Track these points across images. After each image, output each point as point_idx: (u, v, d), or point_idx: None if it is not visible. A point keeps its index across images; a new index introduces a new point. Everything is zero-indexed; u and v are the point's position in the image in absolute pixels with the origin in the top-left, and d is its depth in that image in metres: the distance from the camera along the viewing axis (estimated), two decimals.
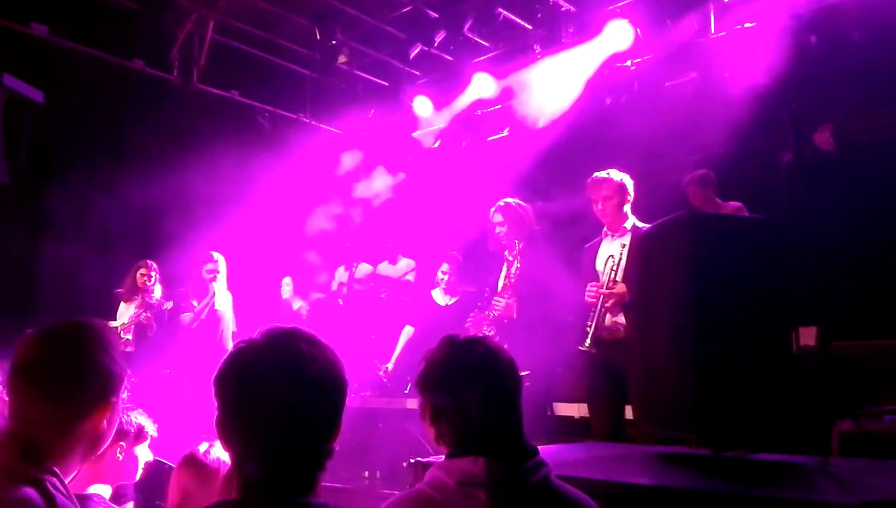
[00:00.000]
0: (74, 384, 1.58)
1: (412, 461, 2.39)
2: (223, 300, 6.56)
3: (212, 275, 6.51)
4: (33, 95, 6.21)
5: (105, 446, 1.70)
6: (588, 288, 4.21)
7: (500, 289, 4.73)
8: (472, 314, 4.83)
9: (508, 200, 4.83)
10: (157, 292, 6.55)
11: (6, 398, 1.60)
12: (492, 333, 4.49)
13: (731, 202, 5.85)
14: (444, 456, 1.85)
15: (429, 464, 2.20)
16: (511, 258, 4.67)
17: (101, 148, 7.02)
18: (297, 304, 7.84)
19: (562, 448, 3.22)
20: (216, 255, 6.56)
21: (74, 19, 6.49)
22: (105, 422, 1.64)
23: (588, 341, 4.10)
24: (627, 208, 4.32)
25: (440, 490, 1.75)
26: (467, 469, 1.74)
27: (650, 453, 2.89)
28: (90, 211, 6.43)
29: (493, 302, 4.69)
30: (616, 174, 4.32)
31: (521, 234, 4.69)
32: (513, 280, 4.62)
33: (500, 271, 4.80)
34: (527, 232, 4.72)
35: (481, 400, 1.80)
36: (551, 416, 4.94)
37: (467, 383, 1.83)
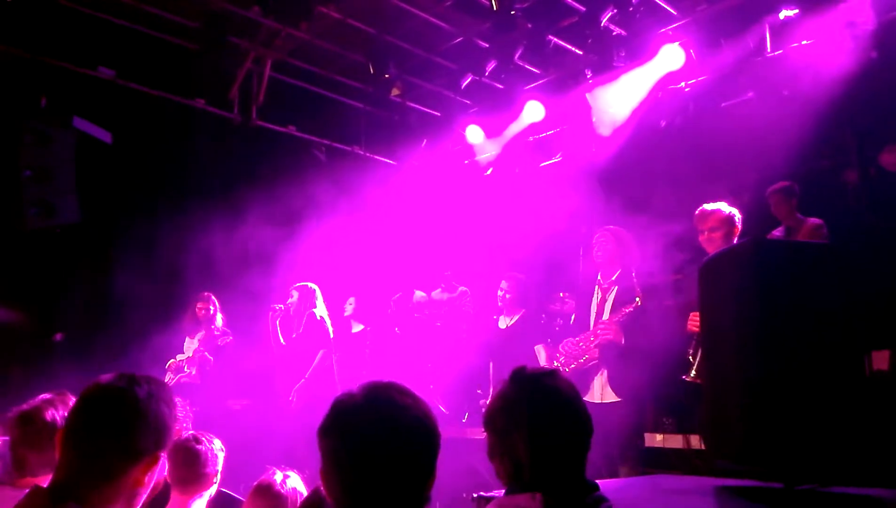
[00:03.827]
0: (136, 433, 1.59)
1: (475, 495, 2.37)
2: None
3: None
4: (102, 135, 6.51)
5: (141, 503, 1.66)
6: (691, 317, 4.14)
7: (592, 315, 4.74)
8: (561, 348, 4.77)
9: (611, 227, 4.85)
10: (219, 320, 6.70)
11: (58, 446, 1.58)
12: (592, 363, 4.48)
13: (812, 219, 5.65)
14: (503, 492, 1.84)
15: (491, 499, 2.19)
16: (606, 285, 4.67)
17: (167, 185, 7.28)
18: (357, 327, 7.87)
19: (627, 481, 3.16)
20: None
21: (139, 62, 6.78)
22: (148, 475, 1.62)
23: (693, 371, 4.01)
24: (735, 240, 4.29)
25: None
26: (524, 506, 1.73)
27: (718, 486, 2.81)
28: (157, 247, 6.62)
29: (597, 330, 4.66)
30: (725, 207, 4.33)
31: (620, 261, 4.70)
32: (615, 306, 4.62)
33: (591, 297, 4.82)
34: (625, 260, 4.70)
35: (528, 441, 1.80)
36: (642, 446, 4.80)
37: (515, 423, 1.83)
